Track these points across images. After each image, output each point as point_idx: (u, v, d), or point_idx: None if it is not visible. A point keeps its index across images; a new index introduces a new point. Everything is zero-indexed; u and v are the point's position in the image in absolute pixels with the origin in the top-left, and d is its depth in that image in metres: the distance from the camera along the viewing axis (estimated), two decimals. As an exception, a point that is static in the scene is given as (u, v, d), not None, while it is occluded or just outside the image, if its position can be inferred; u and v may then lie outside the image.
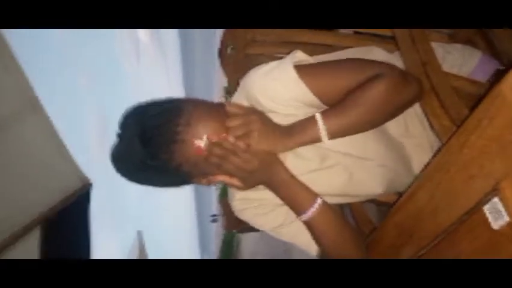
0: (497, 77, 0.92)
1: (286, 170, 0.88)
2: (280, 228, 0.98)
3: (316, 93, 0.86)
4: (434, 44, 0.99)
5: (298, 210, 0.90)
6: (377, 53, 1.06)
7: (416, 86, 0.86)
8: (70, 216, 2.28)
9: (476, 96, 0.85)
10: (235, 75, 1.24)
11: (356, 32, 1.21)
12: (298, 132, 0.86)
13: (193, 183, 0.92)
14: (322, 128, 0.83)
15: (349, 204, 1.28)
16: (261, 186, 0.92)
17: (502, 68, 0.99)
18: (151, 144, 0.81)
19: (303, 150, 0.91)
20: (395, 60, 1.03)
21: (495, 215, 0.58)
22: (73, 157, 2.26)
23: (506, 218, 0.56)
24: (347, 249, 0.90)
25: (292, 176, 0.89)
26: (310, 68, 0.89)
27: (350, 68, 0.88)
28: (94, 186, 2.50)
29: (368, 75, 0.84)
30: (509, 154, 0.54)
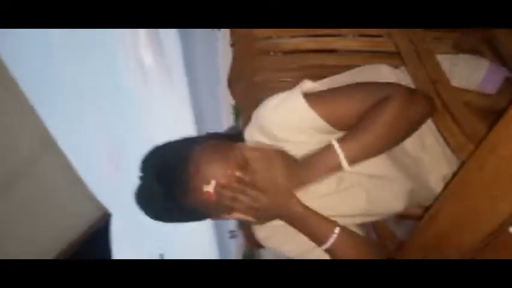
0: (508, 87, 0.92)
1: (299, 203, 0.89)
2: (311, 252, 0.96)
3: (327, 120, 0.88)
4: (439, 57, 0.99)
5: (317, 242, 0.91)
6: (384, 71, 1.07)
7: (426, 103, 0.87)
8: (93, 247, 2.31)
9: (488, 109, 0.85)
10: (244, 100, 1.26)
11: (360, 35, 1.20)
12: (318, 163, 0.87)
13: (213, 219, 0.94)
14: (341, 156, 0.84)
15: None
16: None
17: (511, 75, 0.99)
18: (167, 187, 0.85)
19: None
20: (403, 76, 1.03)
21: (521, 236, 0.58)
22: (89, 189, 2.29)
23: (533, 239, 0.56)
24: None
25: (307, 208, 0.89)
26: (319, 96, 0.90)
27: (359, 92, 0.90)
28: (112, 214, 2.54)
29: (377, 97, 0.85)
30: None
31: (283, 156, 0.89)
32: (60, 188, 2.07)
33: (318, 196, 0.93)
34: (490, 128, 0.61)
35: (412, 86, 0.96)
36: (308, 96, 0.88)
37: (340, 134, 0.89)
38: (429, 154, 1.01)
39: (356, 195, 0.95)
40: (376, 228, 1.31)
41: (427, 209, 0.86)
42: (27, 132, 1.79)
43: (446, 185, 0.74)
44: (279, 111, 0.89)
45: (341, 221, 0.98)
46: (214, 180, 0.84)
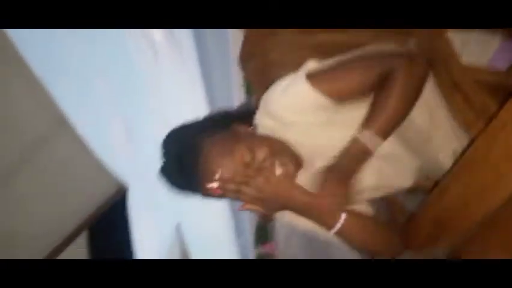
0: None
1: (305, 192, 0.91)
2: None
3: (331, 96, 0.89)
4: (450, 33, 0.99)
5: (325, 227, 0.93)
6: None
7: (423, 62, 0.89)
8: (112, 219, 2.38)
9: (499, 86, 0.85)
10: (256, 79, 1.27)
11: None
12: (350, 160, 0.89)
13: None
14: (369, 142, 0.87)
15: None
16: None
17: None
18: (184, 172, 0.93)
19: (331, 152, 0.95)
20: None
21: (526, 211, 0.60)
22: (105, 164, 2.34)
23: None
24: (379, 248, 0.93)
25: (312, 197, 0.91)
26: (322, 74, 0.92)
27: (360, 66, 0.91)
28: (129, 187, 2.61)
29: (379, 69, 0.87)
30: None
31: (286, 149, 0.94)
32: (76, 163, 2.11)
33: None
34: (501, 105, 0.63)
35: None
36: (311, 77, 0.90)
37: (343, 110, 0.92)
38: (439, 130, 1.02)
39: (365, 172, 0.98)
40: (386, 202, 1.34)
41: (436, 182, 0.88)
42: (41, 111, 1.82)
43: (456, 161, 0.76)
44: (284, 96, 0.91)
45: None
46: (218, 175, 0.88)
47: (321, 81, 0.90)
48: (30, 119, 1.82)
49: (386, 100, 0.86)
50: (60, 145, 1.99)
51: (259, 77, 1.20)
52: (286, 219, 1.05)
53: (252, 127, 0.98)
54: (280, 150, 0.93)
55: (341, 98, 0.90)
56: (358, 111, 0.95)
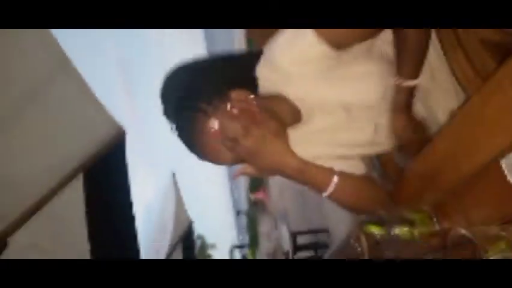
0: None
1: (295, 158, 0.93)
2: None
3: (334, 44, 0.88)
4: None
5: (317, 190, 0.96)
6: None
7: None
8: (109, 163, 2.43)
9: (504, 45, 0.84)
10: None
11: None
12: (398, 99, 0.95)
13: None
14: (406, 83, 0.91)
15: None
16: (290, 140, 0.98)
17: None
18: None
19: (330, 107, 0.96)
20: None
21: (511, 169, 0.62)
22: (105, 108, 2.35)
23: (522, 172, 0.60)
24: (368, 207, 0.95)
25: (303, 162, 0.93)
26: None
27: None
28: (127, 132, 2.63)
29: None
30: (527, 114, 0.57)
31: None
32: (76, 106, 2.13)
33: (330, 130, 0.99)
34: (499, 64, 0.63)
35: None
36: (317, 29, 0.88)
37: (344, 64, 0.92)
38: (438, 86, 1.02)
39: (364, 126, 1.00)
40: (380, 159, 1.36)
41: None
42: (44, 53, 1.81)
43: (449, 118, 0.77)
44: (290, 47, 0.90)
45: (348, 151, 1.03)
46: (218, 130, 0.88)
47: (326, 31, 0.87)
48: (33, 61, 1.80)
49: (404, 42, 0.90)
50: (62, 87, 1.99)
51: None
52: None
53: (251, 96, 0.93)
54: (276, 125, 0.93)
55: (341, 43, 0.89)
56: (358, 66, 0.95)
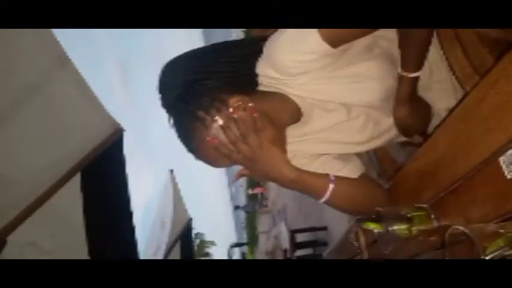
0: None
1: (291, 168, 0.93)
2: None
3: (337, 43, 0.88)
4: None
5: (314, 197, 0.96)
6: None
7: None
8: (107, 161, 2.41)
9: (502, 41, 0.84)
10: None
11: None
12: (402, 90, 0.95)
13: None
14: (411, 75, 0.92)
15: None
16: (291, 138, 0.98)
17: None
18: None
19: (331, 106, 0.96)
20: None
21: (509, 165, 0.62)
22: (103, 105, 2.34)
23: (520, 169, 0.60)
24: (364, 209, 0.94)
25: (299, 173, 0.93)
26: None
27: None
28: (125, 129, 2.62)
29: None
30: (524, 111, 0.57)
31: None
32: (75, 104, 2.11)
33: (330, 124, 0.99)
34: (497, 60, 0.63)
35: None
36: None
37: (343, 65, 0.93)
38: (437, 84, 1.03)
39: (363, 122, 1.00)
40: (377, 154, 1.36)
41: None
42: (43, 49, 1.80)
43: (447, 115, 0.77)
44: (293, 46, 0.89)
45: (348, 150, 1.04)
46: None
47: (329, 31, 0.87)
48: (32, 57, 1.80)
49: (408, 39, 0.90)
50: (60, 84, 1.98)
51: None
52: None
53: (250, 103, 0.91)
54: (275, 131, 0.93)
55: (341, 40, 0.89)
56: (359, 65, 0.95)
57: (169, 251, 3.93)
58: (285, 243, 5.61)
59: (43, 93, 1.86)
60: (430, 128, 1.03)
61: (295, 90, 0.96)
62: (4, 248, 1.79)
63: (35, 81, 1.82)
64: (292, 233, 5.41)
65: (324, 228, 5.01)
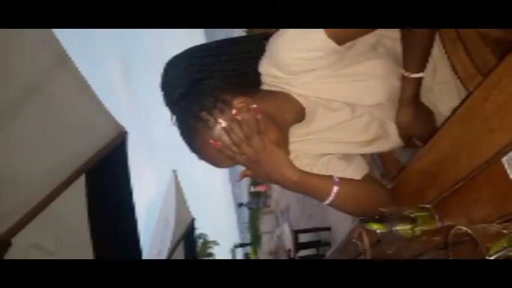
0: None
1: (294, 171, 0.92)
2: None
3: (338, 39, 0.88)
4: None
5: (317, 200, 0.96)
6: None
7: None
8: (111, 163, 2.42)
9: (505, 41, 0.84)
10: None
11: None
12: (408, 90, 0.96)
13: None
14: (415, 75, 0.93)
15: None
16: (294, 137, 0.98)
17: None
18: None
19: (335, 105, 0.96)
20: None
21: (512, 166, 0.62)
22: (106, 107, 2.34)
23: (523, 169, 0.60)
24: (368, 209, 0.94)
25: (302, 175, 0.92)
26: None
27: None
28: (128, 132, 2.62)
29: None
30: (527, 111, 0.57)
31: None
32: (77, 104, 2.11)
33: (334, 124, 0.99)
34: (500, 60, 0.63)
35: None
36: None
37: (347, 64, 0.93)
38: (440, 85, 1.03)
39: (368, 125, 1.00)
40: (380, 154, 1.36)
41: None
42: (43, 49, 1.79)
43: (450, 115, 0.77)
44: (297, 45, 0.89)
45: (352, 150, 1.04)
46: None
47: (335, 31, 0.87)
48: (33, 57, 1.80)
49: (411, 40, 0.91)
50: (61, 84, 1.97)
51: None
52: None
53: (253, 105, 0.91)
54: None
55: (346, 37, 0.89)
56: (363, 65, 0.95)
57: (172, 251, 3.94)
58: (288, 244, 5.60)
59: (45, 95, 1.86)
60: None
61: (299, 89, 0.96)
62: (9, 249, 1.80)
63: (36, 83, 1.82)
64: (296, 233, 5.41)
65: (328, 229, 5.00)
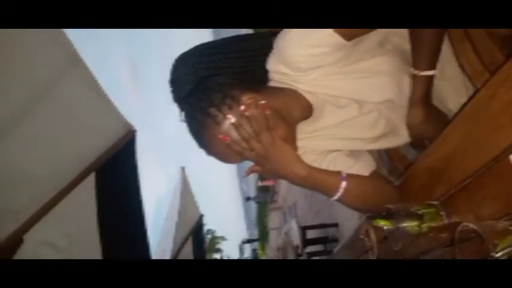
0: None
1: (303, 166, 0.92)
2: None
3: (346, 35, 0.88)
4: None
5: (326, 195, 0.96)
6: None
7: None
8: (120, 161, 2.44)
9: (511, 38, 0.84)
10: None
11: None
12: (416, 91, 0.95)
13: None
14: (426, 73, 0.92)
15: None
16: (301, 134, 0.99)
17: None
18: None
19: (342, 102, 0.96)
20: None
21: (520, 163, 0.62)
22: (115, 106, 2.36)
23: (530, 166, 0.60)
24: (375, 206, 0.93)
25: (310, 170, 0.93)
26: None
27: None
28: (136, 130, 2.64)
29: None
30: (535, 108, 0.57)
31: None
32: (88, 104, 2.13)
33: (341, 120, 1.00)
34: (507, 58, 0.63)
35: None
36: None
37: (353, 61, 0.94)
38: (448, 83, 1.02)
39: (376, 121, 1.00)
40: (388, 151, 1.36)
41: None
42: (56, 49, 1.81)
43: (458, 112, 0.77)
44: (305, 41, 0.89)
45: (359, 146, 1.04)
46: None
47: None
48: (44, 57, 1.81)
49: (419, 37, 0.90)
50: (72, 84, 1.99)
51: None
52: None
53: (262, 101, 0.91)
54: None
55: (354, 33, 0.89)
56: (370, 62, 0.96)
57: (181, 246, 3.96)
58: (296, 240, 5.61)
59: (57, 93, 1.87)
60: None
61: (307, 86, 0.97)
62: (21, 245, 1.83)
63: (47, 82, 1.84)
64: (303, 229, 5.41)
65: (335, 225, 5.00)
